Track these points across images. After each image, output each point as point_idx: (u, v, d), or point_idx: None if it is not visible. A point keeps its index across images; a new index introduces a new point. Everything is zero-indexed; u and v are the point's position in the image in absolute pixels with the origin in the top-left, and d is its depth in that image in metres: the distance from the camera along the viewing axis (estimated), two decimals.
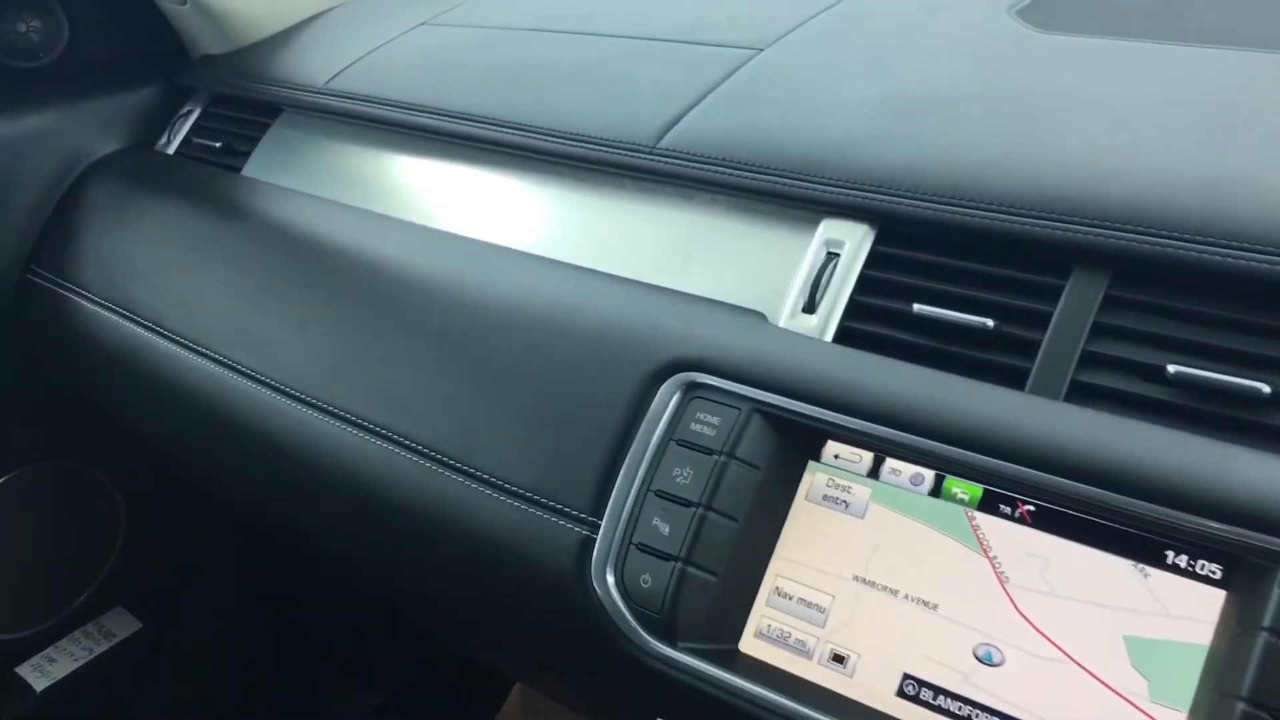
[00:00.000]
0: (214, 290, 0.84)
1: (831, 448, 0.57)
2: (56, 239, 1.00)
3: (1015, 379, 0.55)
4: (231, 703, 1.39)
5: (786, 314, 0.63)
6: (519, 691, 1.50)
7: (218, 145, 1.01)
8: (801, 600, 0.56)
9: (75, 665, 1.20)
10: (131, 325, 0.88)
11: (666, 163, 0.70)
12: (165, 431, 0.89)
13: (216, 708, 1.37)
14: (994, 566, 0.53)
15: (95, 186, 1.02)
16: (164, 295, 0.87)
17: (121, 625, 1.25)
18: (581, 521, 0.59)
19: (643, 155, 0.71)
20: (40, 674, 1.17)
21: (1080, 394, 0.54)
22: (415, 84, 0.90)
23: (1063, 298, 0.56)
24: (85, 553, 1.20)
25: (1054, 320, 0.56)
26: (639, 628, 0.56)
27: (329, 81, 0.95)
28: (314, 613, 1.43)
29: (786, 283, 0.64)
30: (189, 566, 1.31)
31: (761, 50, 0.79)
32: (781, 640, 0.56)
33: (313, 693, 1.47)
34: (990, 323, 0.57)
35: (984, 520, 0.53)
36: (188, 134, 1.06)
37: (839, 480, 0.57)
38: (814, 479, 0.57)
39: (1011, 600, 0.52)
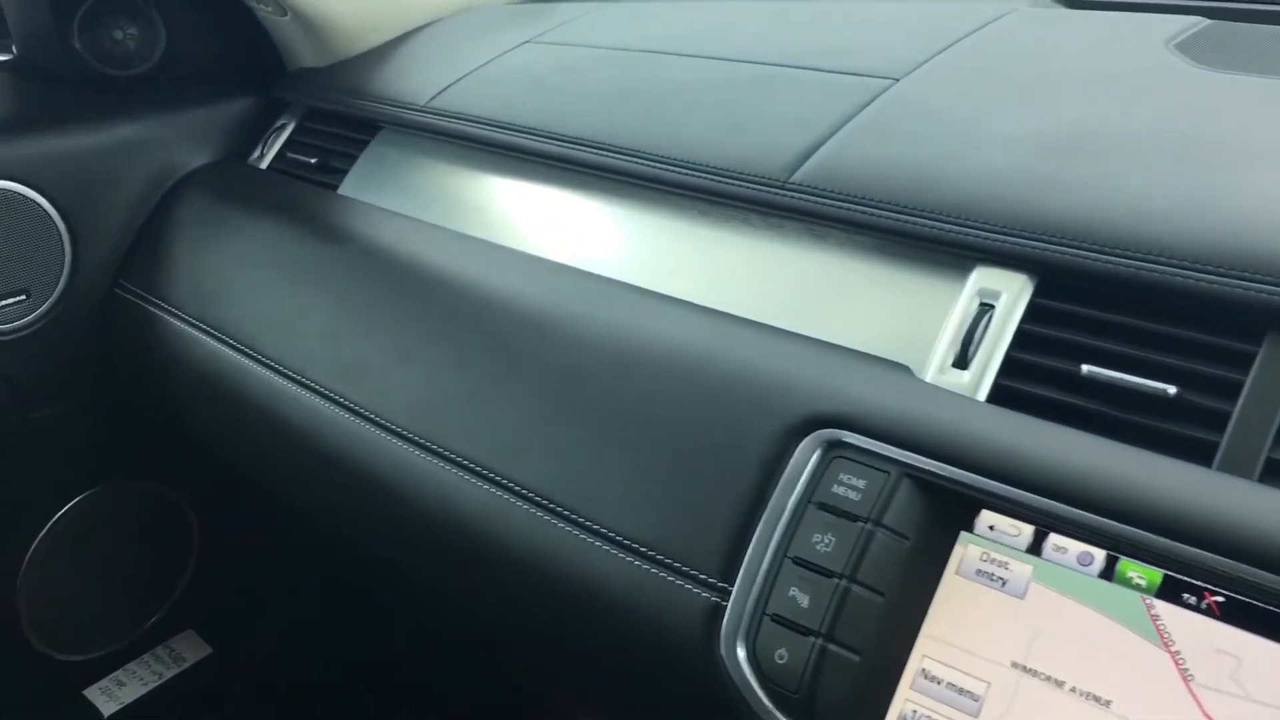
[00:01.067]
0: (311, 315, 0.81)
1: (987, 518, 0.52)
2: (146, 253, 0.98)
3: (1201, 453, 0.50)
4: None
5: (934, 369, 0.58)
6: None
7: (313, 161, 0.98)
8: (951, 685, 0.51)
9: (144, 690, 1.17)
10: (223, 347, 0.85)
11: (800, 199, 0.65)
12: (253, 459, 0.86)
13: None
14: (1176, 662, 0.47)
15: (187, 200, 0.99)
16: (259, 318, 0.84)
17: (191, 649, 1.22)
18: (710, 587, 0.54)
19: (774, 190, 0.66)
20: (109, 697, 1.15)
21: (1276, 474, 0.48)
22: (523, 105, 0.86)
23: (1255, 366, 0.50)
24: (158, 573, 1.18)
25: (1245, 391, 0.50)
26: (772, 707, 0.51)
27: (432, 100, 0.91)
28: (380, 643, 1.39)
29: (934, 335, 0.59)
30: (260, 592, 1.28)
31: (898, 80, 0.74)
32: None
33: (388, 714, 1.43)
34: (1171, 389, 0.51)
35: (1164, 609, 0.48)
36: (281, 148, 1.03)
37: (995, 555, 0.52)
38: (966, 552, 0.52)
39: (1198, 702, 0.46)
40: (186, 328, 0.90)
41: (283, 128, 1.05)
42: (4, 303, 0.93)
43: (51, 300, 0.96)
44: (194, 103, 1.04)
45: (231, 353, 0.84)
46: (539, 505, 0.61)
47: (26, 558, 1.03)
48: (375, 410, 0.72)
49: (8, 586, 1.02)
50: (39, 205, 0.93)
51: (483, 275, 0.74)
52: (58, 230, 0.95)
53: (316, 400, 0.76)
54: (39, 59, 1.02)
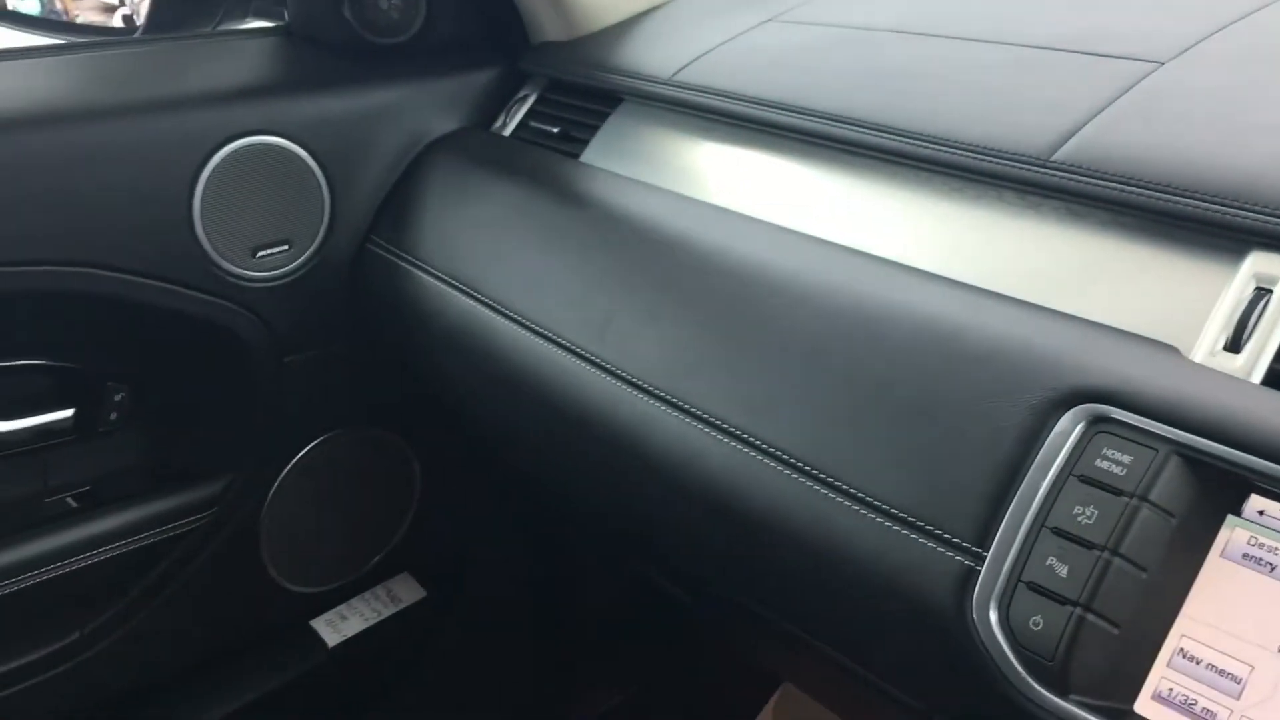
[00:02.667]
0: (558, 276, 0.84)
1: (1256, 503, 0.51)
2: (397, 211, 1.04)
3: None
4: (497, 676, 1.42)
5: (1204, 351, 0.57)
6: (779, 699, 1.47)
7: (555, 130, 1.02)
8: (1212, 666, 0.50)
9: (364, 625, 1.24)
10: (472, 302, 0.90)
11: (1062, 178, 0.65)
12: (496, 409, 0.90)
13: (485, 678, 1.40)
14: None
15: (436, 163, 1.04)
16: (508, 277, 0.88)
17: (407, 591, 1.29)
18: (963, 551, 0.55)
19: (1035, 168, 0.66)
20: (333, 629, 1.22)
21: None
22: (768, 81, 0.87)
23: None
24: (381, 518, 1.24)
25: None
26: (1024, 672, 0.52)
27: (676, 74, 0.94)
28: (583, 598, 1.44)
29: (1201, 318, 0.58)
30: (474, 542, 1.34)
31: (1163, 64, 0.73)
32: (1185, 707, 0.50)
33: (571, 677, 1.48)
34: None
35: None
36: (524, 118, 1.08)
37: (1264, 540, 0.51)
38: (1233, 535, 0.52)
39: None
40: (436, 283, 0.95)
41: (525, 98, 1.09)
42: (268, 252, 1.00)
43: (310, 251, 1.03)
44: (445, 72, 1.09)
45: (481, 308, 0.88)
46: (786, 464, 0.63)
47: (270, 493, 1.10)
48: (622, 366, 0.75)
49: (252, 519, 1.10)
50: (305, 161, 1.00)
51: (729, 242, 0.76)
52: (320, 186, 1.01)
53: (565, 356, 0.79)
54: (311, 26, 1.09)
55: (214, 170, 0.95)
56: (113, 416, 1.04)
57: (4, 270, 0.87)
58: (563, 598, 1.43)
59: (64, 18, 1.33)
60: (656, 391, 0.72)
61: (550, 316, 0.83)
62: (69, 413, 1.02)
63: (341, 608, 1.25)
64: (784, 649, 0.77)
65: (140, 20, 1.25)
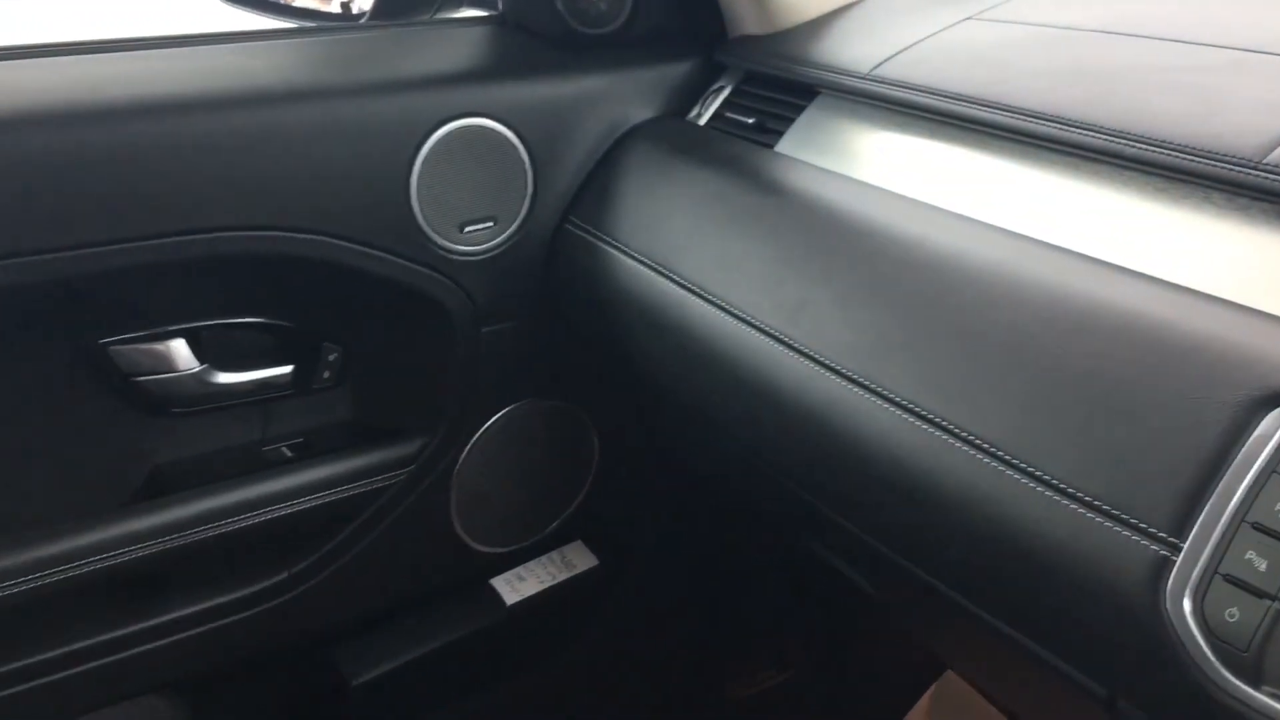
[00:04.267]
0: (753, 260, 0.88)
1: None
2: (595, 193, 1.09)
3: None
4: (660, 647, 1.47)
5: None
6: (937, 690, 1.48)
7: (750, 121, 1.05)
8: None
9: (539, 587, 1.31)
10: (667, 282, 0.94)
11: (1275, 180, 0.65)
12: (688, 387, 0.94)
13: (648, 647, 1.46)
14: None
15: (634, 150, 1.09)
16: (703, 260, 0.92)
17: (581, 559, 1.35)
18: (1159, 540, 0.56)
19: (1245, 170, 0.67)
20: (511, 589, 1.29)
21: None
22: (968, 76, 0.89)
23: None
24: (559, 487, 1.30)
25: None
26: (1217, 662, 0.53)
27: (874, 69, 0.96)
28: (748, 578, 1.48)
29: None
30: (645, 515, 1.38)
31: None
32: None
33: (730, 654, 1.52)
34: None
35: None
36: (719, 108, 1.12)
37: None
38: None
39: None
40: (631, 262, 0.99)
41: (721, 89, 1.13)
42: (475, 227, 1.06)
43: (513, 229, 1.09)
44: (645, 63, 1.14)
45: (676, 288, 0.93)
46: (980, 449, 0.65)
47: (462, 456, 1.17)
48: (815, 349, 0.78)
49: (444, 478, 1.17)
50: (513, 143, 1.06)
51: (926, 233, 0.78)
52: (525, 167, 1.07)
53: (758, 337, 0.83)
54: (523, 16, 1.15)
55: (431, 149, 1.01)
56: (325, 375, 1.12)
57: (242, 234, 0.95)
58: (728, 576, 1.47)
59: (292, 2, 1.42)
60: (848, 374, 0.74)
61: (744, 299, 0.86)
62: (288, 369, 1.10)
63: (519, 569, 1.31)
64: (961, 632, 0.79)
65: (360, 7, 1.34)
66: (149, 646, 1.06)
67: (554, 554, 1.34)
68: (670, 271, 0.94)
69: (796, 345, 0.79)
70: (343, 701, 1.20)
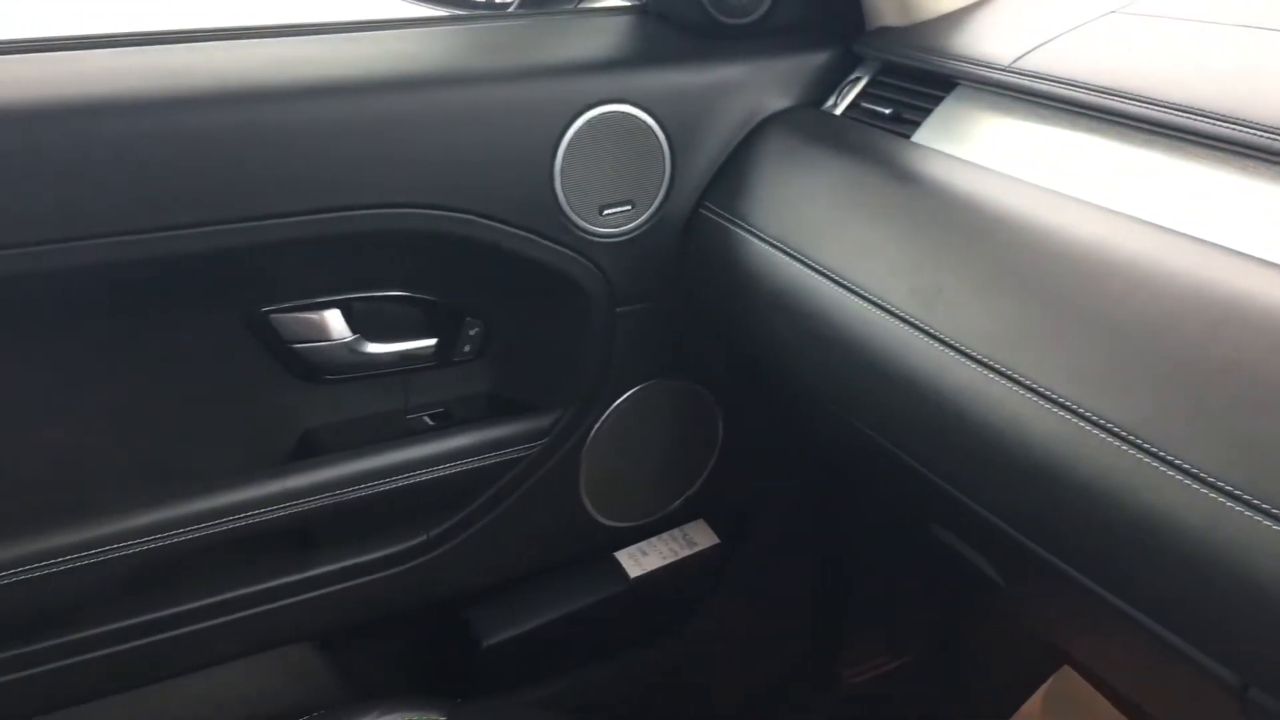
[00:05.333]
0: (889, 248, 0.89)
1: None
2: (730, 180, 1.11)
3: None
4: (777, 627, 1.50)
5: None
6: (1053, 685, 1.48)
7: (887, 112, 1.07)
8: None
9: (661, 563, 1.34)
10: (802, 267, 0.96)
11: None
12: (818, 370, 0.96)
13: (766, 627, 1.49)
14: None
15: (769, 138, 1.12)
16: (839, 247, 0.94)
17: (702, 537, 1.38)
18: None
19: None
20: (634, 563, 1.33)
21: None
22: (1113, 70, 0.89)
23: None
24: (683, 466, 1.34)
25: None
26: None
27: (1016, 61, 0.97)
28: (867, 562, 1.50)
29: None
30: (766, 496, 1.41)
31: None
32: None
33: (845, 638, 1.54)
34: None
35: None
36: (855, 99, 1.13)
37: None
38: None
39: None
40: (766, 247, 1.02)
41: (857, 80, 1.15)
42: (613, 210, 1.10)
43: (649, 212, 1.12)
44: (783, 53, 1.16)
45: (811, 273, 0.95)
46: (1116, 435, 0.66)
47: (592, 432, 1.21)
48: (951, 335, 0.79)
49: (575, 453, 1.21)
50: (652, 129, 1.09)
51: (1065, 223, 0.79)
52: (663, 152, 1.10)
53: (893, 322, 0.84)
54: (665, 5, 1.18)
55: (575, 133, 1.05)
56: (466, 349, 1.17)
57: (394, 211, 1.00)
58: (847, 559, 1.49)
59: None
60: (985, 360, 0.76)
61: (880, 284, 0.88)
62: (432, 342, 1.16)
63: (642, 544, 1.35)
64: (1090, 620, 0.80)
65: None
66: (296, 599, 1.13)
67: (676, 531, 1.38)
68: (805, 256, 0.97)
69: (932, 331, 0.81)
70: (472, 661, 1.26)
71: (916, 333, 0.82)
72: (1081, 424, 0.68)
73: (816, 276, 0.95)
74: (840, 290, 0.91)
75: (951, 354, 0.79)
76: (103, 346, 1.03)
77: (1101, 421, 0.67)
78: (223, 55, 1.01)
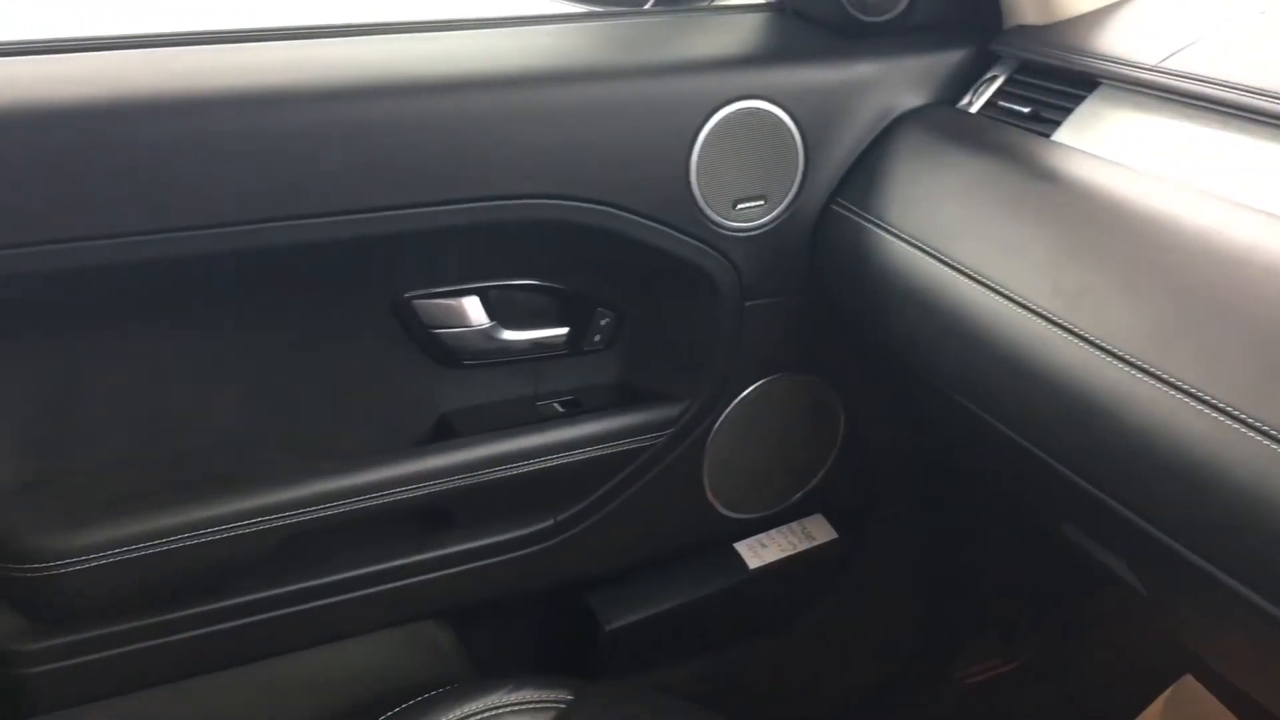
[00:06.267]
0: (1032, 247, 0.89)
1: None
2: (864, 177, 1.12)
3: None
4: (889, 623, 1.50)
5: None
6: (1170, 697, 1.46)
7: (1025, 111, 1.07)
8: None
9: (780, 555, 1.36)
10: (939, 265, 0.96)
11: None
12: (953, 368, 0.97)
13: (879, 623, 1.49)
14: None
15: (905, 135, 1.12)
16: (979, 246, 0.94)
17: (820, 531, 1.39)
18: None
19: None
20: (754, 554, 1.35)
21: None
22: (1263, 71, 0.88)
23: None
24: (803, 460, 1.35)
25: None
26: None
27: (1163, 60, 0.96)
28: (984, 563, 1.49)
29: None
30: (885, 495, 1.42)
31: None
32: None
33: (957, 638, 1.54)
34: None
35: None
36: (991, 97, 1.13)
37: None
38: None
39: None
40: (901, 244, 1.02)
41: (993, 79, 1.14)
42: (746, 205, 1.11)
43: (781, 208, 1.13)
44: (918, 50, 1.16)
45: (948, 270, 0.95)
46: (1272, 439, 0.66)
47: (716, 424, 1.23)
48: (1098, 335, 0.79)
49: (699, 444, 1.23)
50: (787, 125, 1.10)
51: (1217, 225, 0.79)
52: (797, 148, 1.11)
53: (1036, 321, 0.85)
54: (803, 2, 1.19)
55: (711, 129, 1.07)
56: (596, 338, 1.20)
57: (533, 202, 1.03)
58: (965, 559, 1.48)
59: None
60: (1135, 360, 0.76)
61: (1021, 283, 0.88)
62: (564, 331, 1.18)
63: (761, 536, 1.36)
64: (1232, 625, 0.79)
65: None
66: (428, 577, 1.17)
67: (794, 525, 1.39)
68: (942, 254, 0.97)
69: (1078, 330, 0.81)
70: (593, 643, 1.29)
71: (1061, 332, 0.82)
72: (1236, 426, 0.68)
73: (954, 274, 0.95)
74: (979, 288, 0.92)
75: (1098, 354, 0.79)
76: (258, 327, 1.08)
77: (1257, 424, 0.67)
78: (374, 50, 1.05)
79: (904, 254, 1.02)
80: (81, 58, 0.95)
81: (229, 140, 0.91)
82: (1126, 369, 0.76)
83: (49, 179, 0.86)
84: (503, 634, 1.34)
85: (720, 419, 1.23)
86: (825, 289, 1.17)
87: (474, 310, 1.13)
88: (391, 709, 1.00)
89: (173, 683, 1.09)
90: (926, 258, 0.99)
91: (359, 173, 0.96)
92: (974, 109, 1.14)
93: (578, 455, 1.18)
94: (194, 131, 0.90)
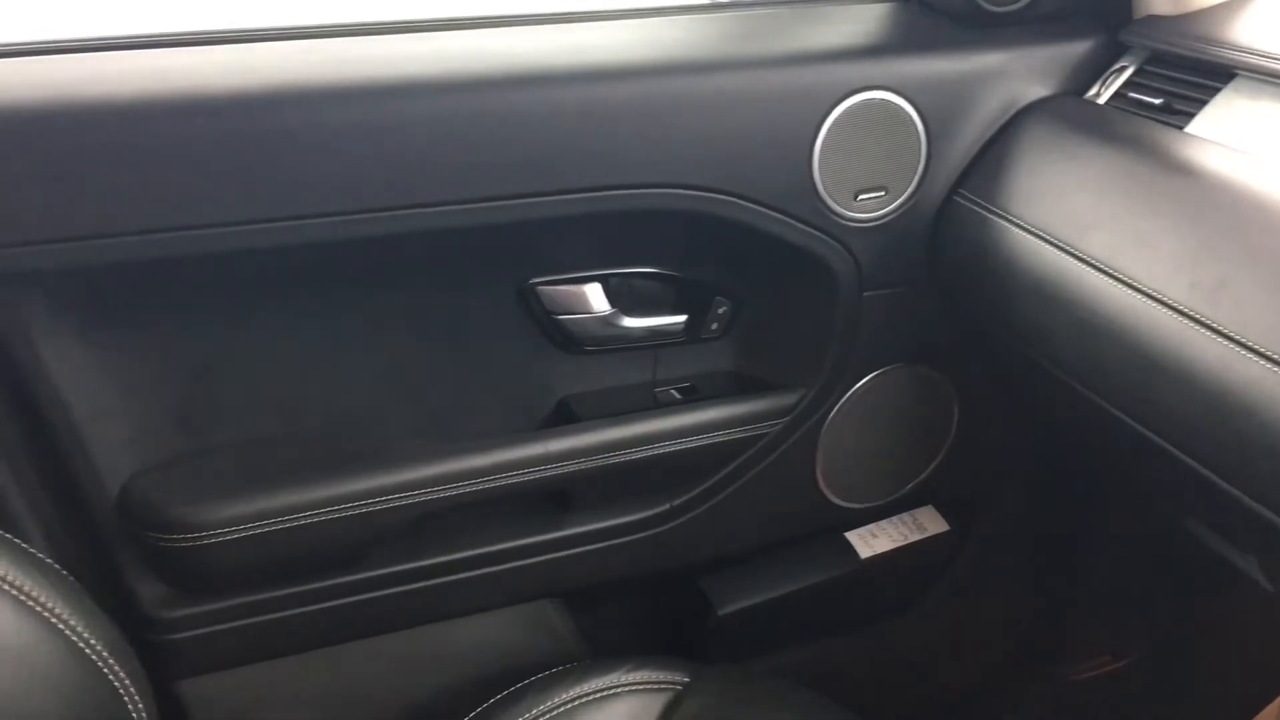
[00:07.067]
0: (1164, 239, 0.89)
1: None
2: (988, 168, 1.12)
3: None
4: (997, 617, 1.50)
5: None
6: None
7: (1156, 102, 1.05)
8: None
9: (892, 545, 1.36)
10: (1067, 257, 0.96)
11: None
12: (1082, 360, 0.96)
13: (986, 616, 1.48)
14: None
15: (1031, 126, 1.11)
16: (1108, 236, 0.93)
17: (932, 523, 1.39)
18: None
19: None
20: (865, 544, 1.35)
21: None
22: None
23: None
24: (916, 451, 1.35)
25: None
26: None
27: None
28: (1092, 560, 1.48)
29: None
30: (998, 487, 1.41)
31: None
32: None
33: (1065, 634, 1.52)
34: None
35: None
36: (1120, 88, 1.12)
37: None
38: None
39: None
40: (1028, 236, 1.02)
41: (1122, 69, 1.13)
42: (867, 195, 1.12)
43: (903, 198, 1.13)
44: (1045, 41, 1.15)
45: (1077, 264, 0.95)
46: None
47: (831, 413, 1.23)
48: (1237, 331, 0.79)
49: (813, 433, 1.24)
50: (910, 116, 1.10)
51: None
52: (920, 139, 1.11)
53: (1171, 316, 0.84)
54: None
55: (835, 119, 1.07)
56: (714, 326, 1.21)
57: (656, 191, 1.04)
58: (1077, 554, 1.47)
59: None
60: (1275, 356, 0.75)
61: (1155, 277, 0.87)
62: (682, 319, 1.20)
63: (872, 526, 1.37)
64: None
65: None
66: (547, 557, 1.19)
67: (906, 515, 1.39)
68: (1072, 247, 0.96)
69: (1215, 325, 0.80)
70: (706, 628, 1.30)
71: (1197, 326, 0.82)
72: None
73: (1084, 267, 0.94)
74: (1111, 281, 0.91)
75: (1237, 349, 0.78)
76: (389, 312, 1.11)
77: None
78: (506, 41, 1.07)
79: (1030, 246, 1.01)
80: (219, 50, 0.99)
81: (367, 130, 0.94)
82: (1266, 365, 0.75)
83: (201, 166, 0.90)
84: (616, 616, 1.37)
85: (835, 409, 1.24)
86: (945, 280, 1.17)
87: (595, 297, 1.15)
88: (512, 684, 1.03)
89: (305, 652, 1.14)
90: (1054, 250, 0.98)
91: (491, 161, 0.98)
92: (1102, 100, 1.13)
93: (694, 442, 1.19)
94: (334, 121, 0.93)
